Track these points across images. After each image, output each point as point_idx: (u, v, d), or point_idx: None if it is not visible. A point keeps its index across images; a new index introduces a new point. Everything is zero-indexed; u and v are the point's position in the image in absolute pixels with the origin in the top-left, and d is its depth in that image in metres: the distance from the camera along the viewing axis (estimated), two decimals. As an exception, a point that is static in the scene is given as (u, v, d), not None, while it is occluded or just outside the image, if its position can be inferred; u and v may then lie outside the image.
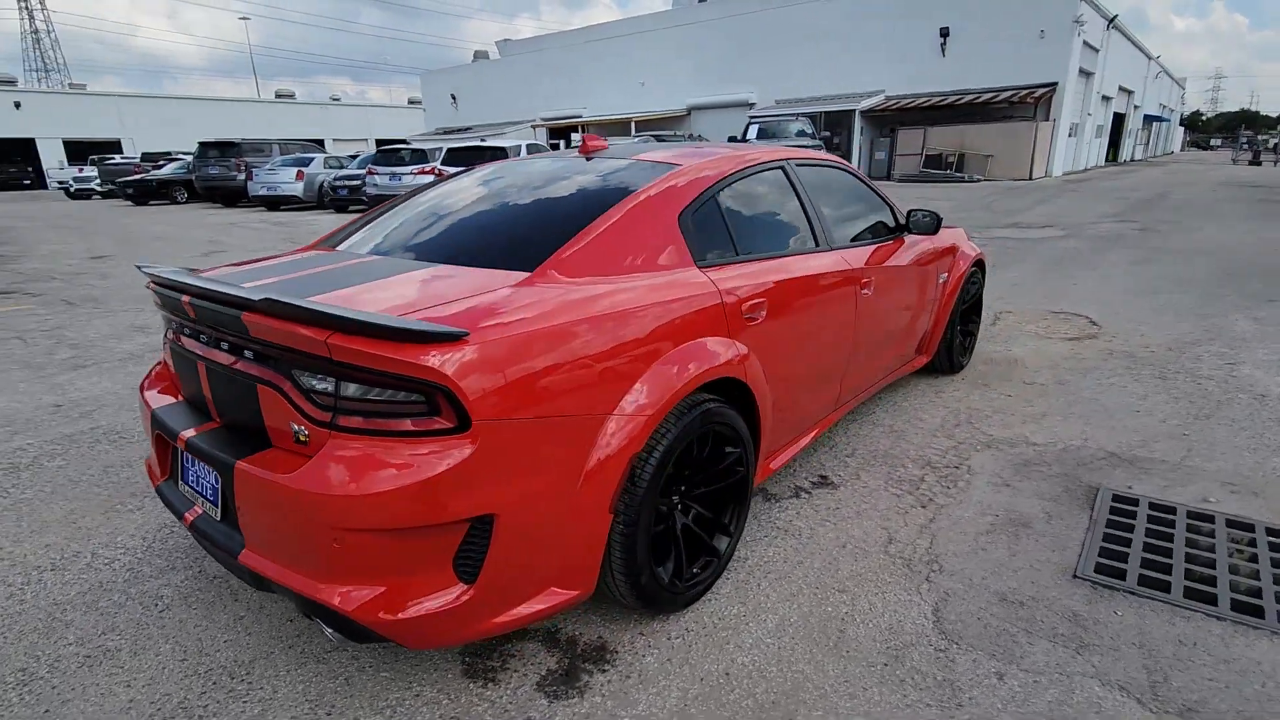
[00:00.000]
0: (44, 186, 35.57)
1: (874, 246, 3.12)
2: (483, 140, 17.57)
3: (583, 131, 30.30)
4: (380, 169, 14.39)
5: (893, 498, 2.78)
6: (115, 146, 37.42)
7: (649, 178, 2.24)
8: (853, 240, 3.05)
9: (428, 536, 1.52)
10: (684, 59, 29.60)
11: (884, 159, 24.44)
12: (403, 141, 27.47)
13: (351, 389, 1.50)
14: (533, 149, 14.83)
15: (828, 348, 2.71)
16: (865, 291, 2.90)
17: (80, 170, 26.71)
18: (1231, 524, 2.49)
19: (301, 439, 1.56)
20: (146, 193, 20.96)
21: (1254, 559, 2.27)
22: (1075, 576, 2.24)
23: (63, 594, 2.23)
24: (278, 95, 55.50)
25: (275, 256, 2.39)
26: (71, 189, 26.43)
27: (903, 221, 3.45)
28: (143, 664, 1.92)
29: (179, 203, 20.89)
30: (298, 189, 16.83)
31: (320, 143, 37.54)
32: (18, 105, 36.53)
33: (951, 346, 4.03)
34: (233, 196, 18.81)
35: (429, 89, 41.69)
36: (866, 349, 3.05)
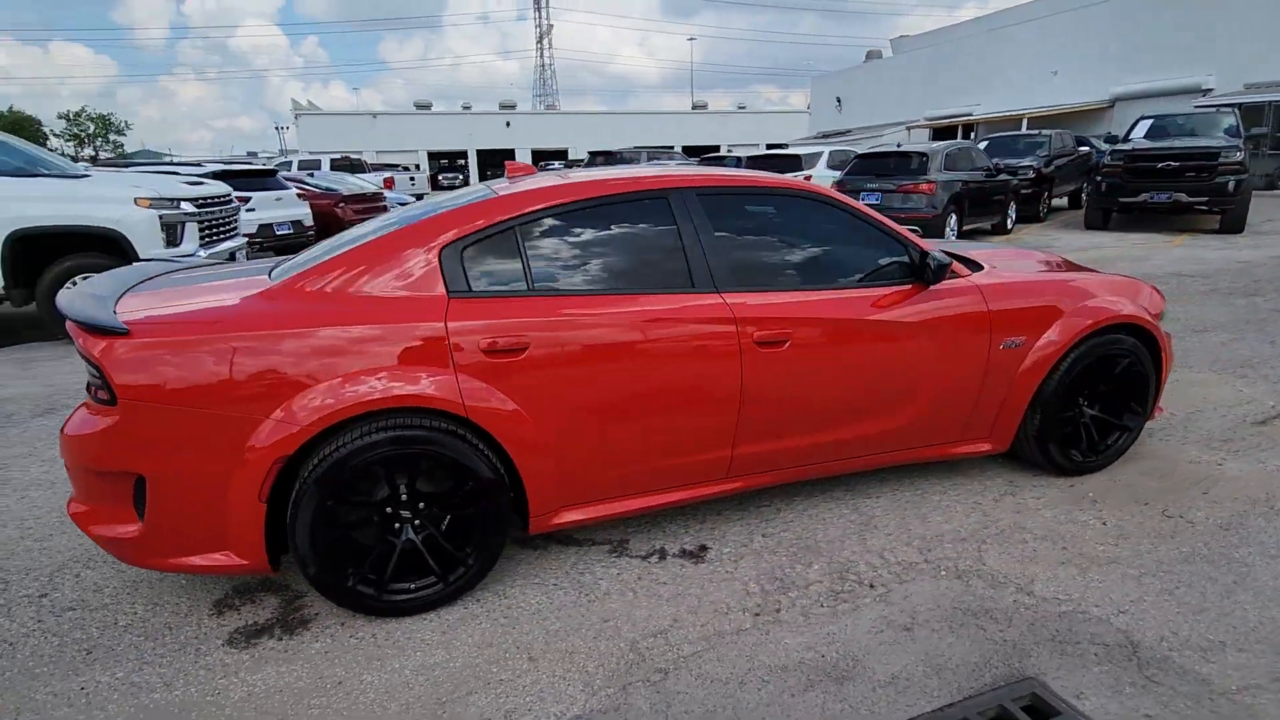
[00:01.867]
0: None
1: (822, 294, 2.55)
2: (846, 139, 17.15)
3: (970, 131, 27.32)
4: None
5: (739, 596, 2.32)
6: (563, 154, 46.88)
7: (439, 209, 2.33)
8: (808, 284, 2.55)
9: (107, 479, 2.01)
10: (1111, 38, 24.30)
11: None
12: (782, 146, 28.49)
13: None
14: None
15: (680, 404, 2.37)
16: (772, 346, 2.42)
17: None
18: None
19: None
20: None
21: None
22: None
23: None
24: (694, 107, 62.34)
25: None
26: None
27: (920, 264, 2.69)
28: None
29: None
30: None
31: (715, 149, 41.22)
32: (508, 124, 48.47)
33: (1047, 436, 2.95)
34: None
35: (818, 92, 42.13)
36: (794, 414, 2.53)
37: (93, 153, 70.50)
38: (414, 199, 15.10)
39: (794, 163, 12.61)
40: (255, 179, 9.98)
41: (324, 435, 2.02)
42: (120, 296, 2.21)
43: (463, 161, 49.25)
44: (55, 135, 70.26)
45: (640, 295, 2.35)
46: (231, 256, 6.67)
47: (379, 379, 2.04)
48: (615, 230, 2.42)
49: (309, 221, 10.53)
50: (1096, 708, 1.80)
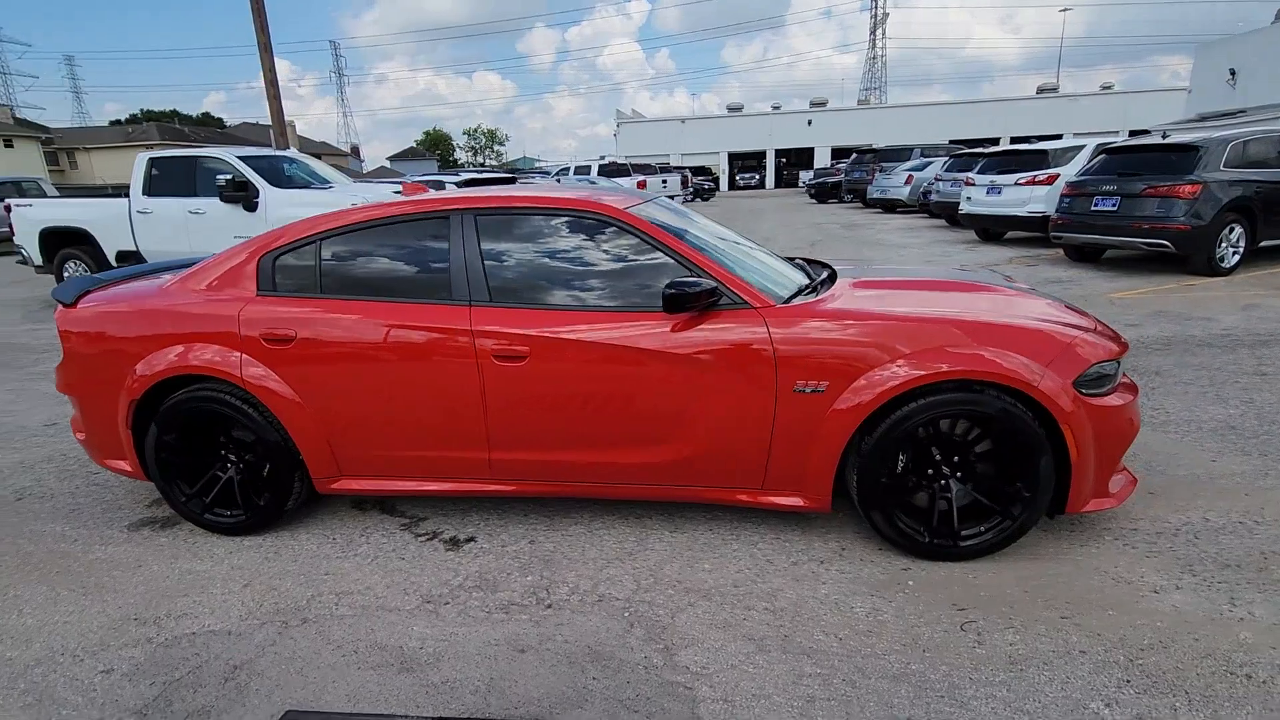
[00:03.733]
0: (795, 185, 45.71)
1: (570, 314, 2.58)
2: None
3: None
4: (947, 176, 13.74)
5: (437, 584, 2.54)
6: (870, 150, 44.80)
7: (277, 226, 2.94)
8: (562, 303, 2.62)
9: (71, 402, 3.06)
10: None
11: None
12: (1145, 132, 23.72)
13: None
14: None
15: (424, 397, 2.65)
16: (510, 360, 2.56)
17: (813, 175, 33.61)
18: None
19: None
20: (824, 192, 25.30)
21: None
22: None
23: None
24: (1039, 91, 54.23)
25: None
26: (811, 190, 33.79)
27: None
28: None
29: (844, 202, 24.44)
30: (904, 193, 17.57)
31: (1057, 138, 35.60)
32: (809, 123, 47.94)
33: (869, 503, 2.49)
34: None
35: (1203, 64, 33.31)
36: (543, 428, 2.63)
37: (482, 161, 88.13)
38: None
39: (1039, 159, 10.51)
40: (493, 186, 11.91)
41: (163, 386, 2.81)
42: (107, 284, 3.25)
43: (761, 162, 50.25)
44: (459, 148, 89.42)
45: (403, 304, 2.69)
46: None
47: (193, 350, 2.75)
48: (400, 246, 2.78)
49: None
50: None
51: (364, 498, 3.18)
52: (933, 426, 2.44)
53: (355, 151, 73.25)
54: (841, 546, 2.66)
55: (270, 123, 13.22)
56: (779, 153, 50.16)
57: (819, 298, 2.64)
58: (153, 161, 8.12)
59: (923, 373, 2.35)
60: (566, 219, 2.72)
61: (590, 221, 2.70)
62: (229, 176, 7.67)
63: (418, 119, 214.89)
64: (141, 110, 60.25)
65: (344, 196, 7.57)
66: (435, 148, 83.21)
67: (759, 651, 2.10)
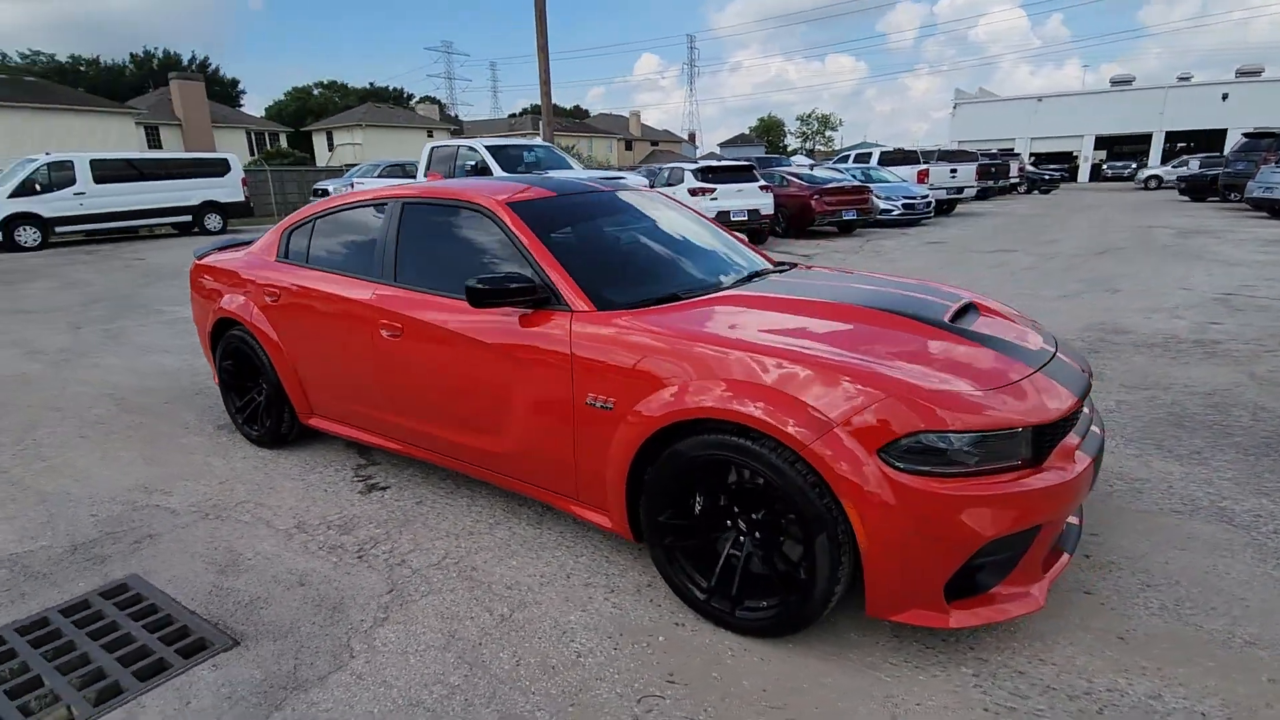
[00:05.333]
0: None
1: (432, 298, 2.76)
2: None
3: None
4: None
5: (317, 518, 2.99)
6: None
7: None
8: (436, 288, 2.82)
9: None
10: None
11: None
12: None
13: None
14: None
15: (345, 357, 3.08)
16: (394, 336, 2.85)
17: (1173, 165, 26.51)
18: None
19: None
20: (1200, 188, 19.79)
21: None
22: (129, 572, 2.57)
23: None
24: None
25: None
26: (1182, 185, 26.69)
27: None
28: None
29: (1226, 200, 18.83)
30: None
31: None
32: (1224, 98, 37.30)
33: (655, 540, 2.23)
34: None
35: None
36: (416, 401, 2.88)
37: (810, 146, 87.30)
38: (920, 195, 14.65)
39: None
40: (729, 173, 12.01)
41: (221, 324, 3.73)
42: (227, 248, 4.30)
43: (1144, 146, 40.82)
44: (789, 133, 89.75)
45: (345, 277, 3.15)
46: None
47: (233, 298, 3.60)
48: (357, 229, 3.23)
49: (767, 211, 12.03)
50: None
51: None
52: (722, 471, 2.09)
53: (691, 138, 78.31)
54: (649, 582, 2.41)
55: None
56: (1174, 135, 40.14)
57: (638, 310, 2.38)
58: (432, 150, 10.06)
59: (681, 406, 2.03)
60: (460, 211, 2.88)
61: (471, 214, 2.82)
62: (473, 163, 9.15)
63: (763, 105, 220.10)
64: (530, 104, 72.67)
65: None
66: (766, 134, 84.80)
67: (438, 650, 2.10)
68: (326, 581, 2.49)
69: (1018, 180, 27.43)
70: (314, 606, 2.34)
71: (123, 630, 2.24)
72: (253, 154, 35.94)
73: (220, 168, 16.41)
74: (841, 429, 1.83)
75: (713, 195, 11.56)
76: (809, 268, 3.28)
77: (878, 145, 28.49)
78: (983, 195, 22.98)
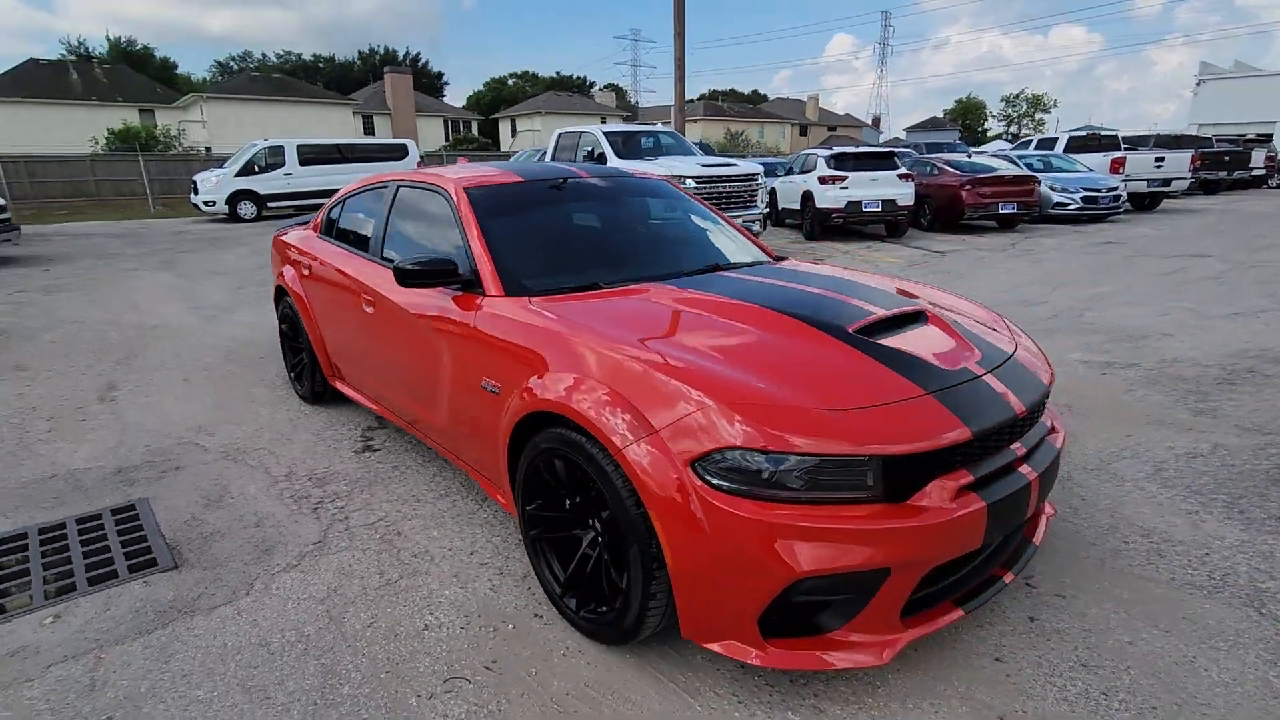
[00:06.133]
0: None
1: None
2: None
3: None
4: None
5: (308, 469, 3.31)
6: None
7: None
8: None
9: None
10: None
11: None
12: None
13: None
14: None
15: (353, 327, 3.35)
16: (369, 308, 3.08)
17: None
18: (21, 598, 2.28)
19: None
20: None
21: (2, 573, 2.42)
22: None
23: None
24: None
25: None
26: None
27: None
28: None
29: None
30: None
31: None
32: None
33: (524, 528, 2.23)
34: None
35: None
36: (394, 374, 3.08)
37: (1016, 131, 78.64)
38: (1112, 191, 12.77)
39: None
40: (866, 160, 11.22)
41: (280, 290, 4.22)
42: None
43: None
44: (992, 116, 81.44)
45: (351, 253, 3.43)
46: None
47: (285, 268, 4.06)
48: (370, 209, 3.49)
49: (905, 201, 11.12)
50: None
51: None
52: (575, 467, 2.03)
53: (875, 123, 73.87)
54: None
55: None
56: None
57: (543, 298, 2.36)
58: (559, 135, 10.46)
59: (527, 399, 2.00)
60: (434, 194, 3.01)
61: (438, 196, 2.94)
62: (590, 148, 9.40)
63: (966, 85, 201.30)
64: (709, 90, 72.69)
65: (654, 168, 8.51)
66: (964, 116, 77.67)
67: (315, 602, 2.26)
68: (277, 525, 2.77)
69: (1264, 172, 22.79)
70: (253, 546, 2.62)
71: (106, 542, 2.66)
72: (447, 139, 39.56)
73: (400, 153, 18.27)
74: (663, 435, 1.71)
75: (843, 184, 10.90)
76: (786, 261, 3.05)
77: (1100, 129, 24.92)
78: (1207, 188, 19.44)
